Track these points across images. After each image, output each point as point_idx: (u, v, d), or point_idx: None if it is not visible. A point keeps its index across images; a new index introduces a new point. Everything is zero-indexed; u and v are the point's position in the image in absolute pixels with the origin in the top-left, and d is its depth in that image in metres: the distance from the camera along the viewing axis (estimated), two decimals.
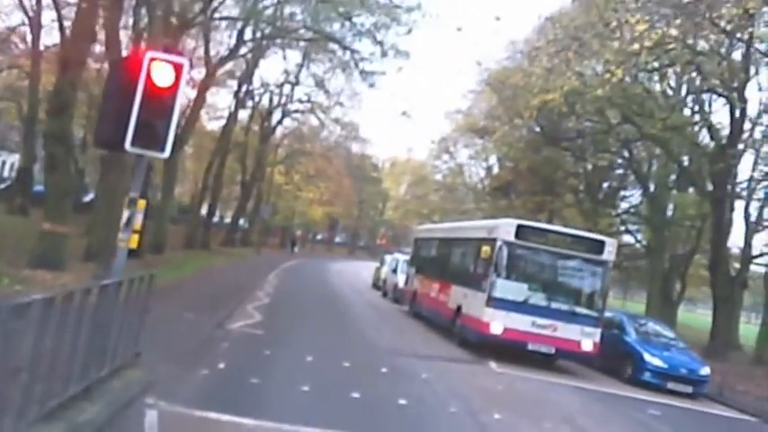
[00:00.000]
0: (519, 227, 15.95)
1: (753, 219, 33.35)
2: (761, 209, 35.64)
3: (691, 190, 34.52)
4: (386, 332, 18.64)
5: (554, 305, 15.84)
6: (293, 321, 17.82)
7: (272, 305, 19.79)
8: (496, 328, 15.64)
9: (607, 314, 18.40)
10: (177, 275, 22.10)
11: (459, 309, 17.69)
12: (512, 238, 15.76)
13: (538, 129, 32.62)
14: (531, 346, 15.69)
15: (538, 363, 16.11)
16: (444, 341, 17.88)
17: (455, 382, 12.46)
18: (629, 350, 16.76)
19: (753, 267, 33.30)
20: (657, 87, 29.57)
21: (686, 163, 30.93)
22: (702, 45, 21.12)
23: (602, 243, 16.23)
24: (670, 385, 15.88)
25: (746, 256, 32.17)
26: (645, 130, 26.67)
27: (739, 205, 31.20)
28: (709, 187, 29.53)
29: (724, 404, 15.85)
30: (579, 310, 16.01)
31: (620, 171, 38.78)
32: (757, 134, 30.82)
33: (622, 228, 38.31)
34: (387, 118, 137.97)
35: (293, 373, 10.74)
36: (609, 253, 16.12)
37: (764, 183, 35.20)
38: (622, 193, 41.50)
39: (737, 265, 30.93)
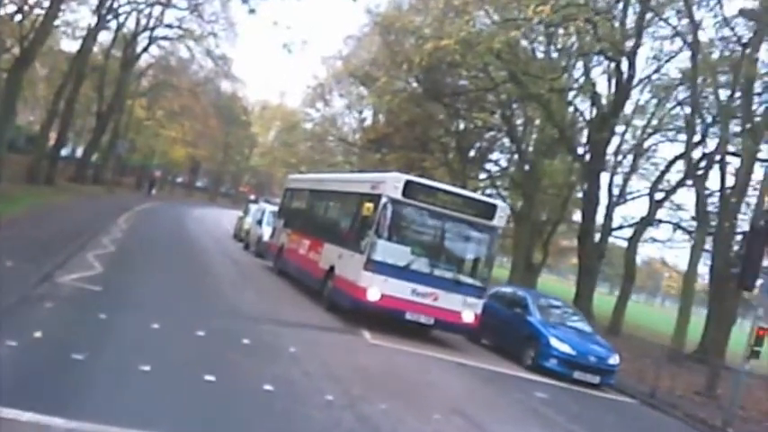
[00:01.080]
0: (408, 183, 14.33)
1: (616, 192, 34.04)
2: (625, 182, 36.46)
3: (561, 158, 34.79)
4: (248, 292, 16.61)
5: (437, 272, 14.45)
6: (140, 276, 15.41)
7: (118, 254, 17.27)
8: (373, 295, 14.06)
9: (506, 289, 17.31)
10: (8, 212, 18.98)
11: (331, 269, 15.97)
12: (398, 195, 14.15)
13: (421, 81, 31.20)
14: (409, 316, 14.25)
15: (414, 334, 14.73)
16: (313, 305, 16.16)
17: (329, 358, 10.75)
18: (533, 333, 15.09)
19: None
20: (543, 48, 29.00)
21: (563, 130, 30.56)
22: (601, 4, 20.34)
23: (493, 207, 14.94)
24: (577, 374, 14.29)
25: (607, 228, 32.61)
26: (530, 90, 25.87)
27: (603, 177, 31.38)
28: (586, 157, 29.46)
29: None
30: (463, 278, 14.71)
31: (492, 133, 38.31)
32: (628, 108, 31.16)
33: (489, 192, 37.91)
34: (263, 57, 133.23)
35: (132, 347, 8.64)
36: (500, 218, 14.87)
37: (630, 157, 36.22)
38: (493, 156, 41.40)
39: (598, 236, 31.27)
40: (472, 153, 38.75)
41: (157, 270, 16.90)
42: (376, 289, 14.04)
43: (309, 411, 7.48)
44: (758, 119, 24.33)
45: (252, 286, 17.87)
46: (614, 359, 15.07)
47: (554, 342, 14.65)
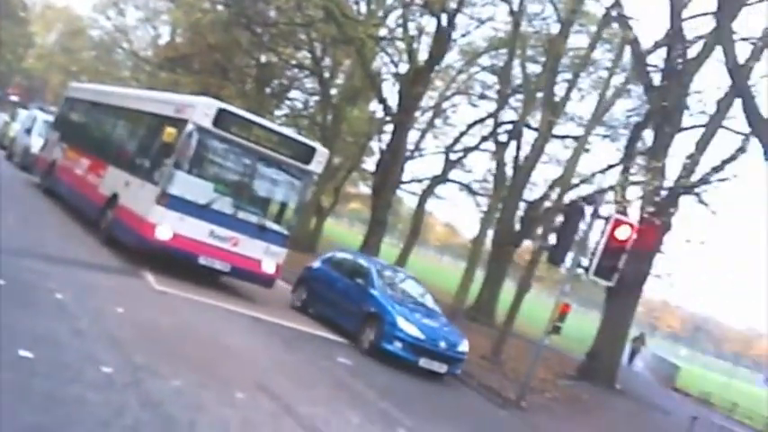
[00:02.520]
0: (220, 111, 12.40)
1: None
2: (420, 138, 36.80)
3: (361, 108, 34.25)
4: (6, 214, 13.75)
5: (241, 214, 12.79)
6: None
7: None
8: (164, 233, 12.12)
9: (344, 255, 15.59)
10: None
11: (114, 198, 13.69)
12: (208, 123, 12.22)
13: (230, 4, 28.57)
14: (203, 261, 12.50)
15: (206, 282, 13.05)
16: (87, 236, 13.85)
17: (106, 309, 8.78)
18: (375, 309, 12.78)
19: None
20: None
21: (373, 78, 29.68)
22: None
23: (312, 150, 13.45)
24: (423, 362, 12.35)
25: (397, 181, 32.46)
26: (347, 33, 24.53)
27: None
28: (395, 109, 28.85)
29: None
30: (269, 224, 13.20)
31: (296, 70, 36.68)
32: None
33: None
34: None
35: None
36: (317, 163, 13.46)
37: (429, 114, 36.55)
38: (292, 94, 39.89)
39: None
40: (269, 89, 36.98)
41: None
42: (167, 227, 12.12)
43: (82, 392, 5.67)
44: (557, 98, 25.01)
45: (12, 206, 14.86)
46: (464, 346, 13.24)
47: (401, 323, 12.42)
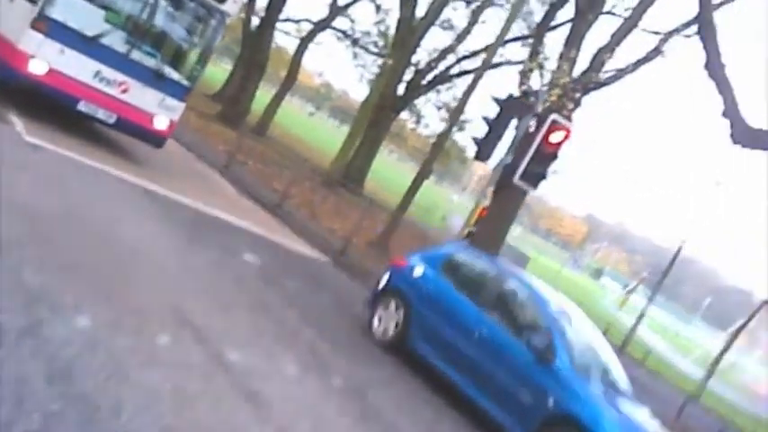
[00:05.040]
0: None
1: None
2: None
3: None
4: None
5: (135, 55, 10.37)
6: None
7: None
8: (38, 67, 9.58)
9: (472, 261, 9.38)
10: None
11: None
12: None
13: None
14: (83, 107, 10.14)
15: (83, 132, 10.73)
16: None
17: None
18: (571, 412, 6.98)
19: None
20: None
21: None
22: None
23: None
24: None
25: (273, 20, 29.46)
26: None
27: None
28: None
29: None
30: (169, 71, 10.89)
31: None
32: None
33: None
34: None
35: None
36: (233, 3, 11.11)
37: None
38: None
39: None
40: None
41: None
42: (42, 60, 9.58)
43: None
44: None
45: None
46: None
47: None
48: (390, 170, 48.63)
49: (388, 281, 9.12)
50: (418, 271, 8.95)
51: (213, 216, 10.77)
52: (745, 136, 11.23)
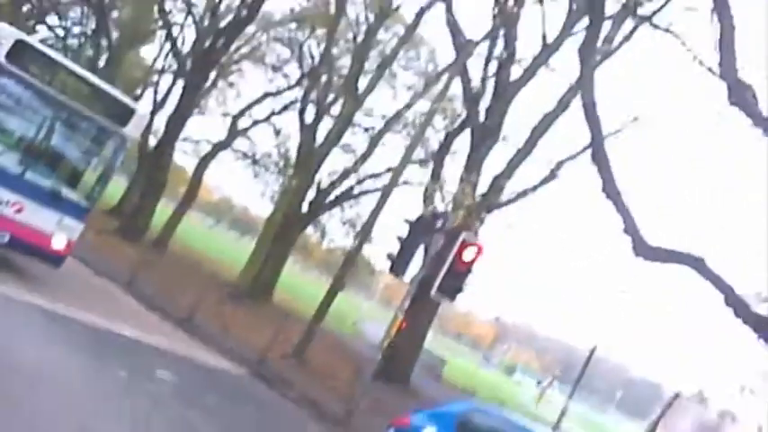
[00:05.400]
0: (18, 43, 9.73)
1: None
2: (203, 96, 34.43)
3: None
4: None
5: (31, 176, 10.24)
6: None
7: None
8: None
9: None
10: None
11: None
12: (0, 56, 9.58)
13: None
14: None
15: None
16: None
17: None
18: None
19: None
20: None
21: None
22: None
23: (131, 111, 11.07)
24: None
25: (173, 139, 29.68)
26: None
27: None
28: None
29: None
30: (67, 192, 10.77)
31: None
32: None
33: None
34: None
35: None
36: (135, 127, 11.16)
37: None
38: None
39: None
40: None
41: None
42: None
43: None
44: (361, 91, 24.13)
45: None
46: None
47: None
48: (296, 280, 48.59)
49: None
50: None
51: (120, 334, 10.37)
52: (645, 250, 11.83)
